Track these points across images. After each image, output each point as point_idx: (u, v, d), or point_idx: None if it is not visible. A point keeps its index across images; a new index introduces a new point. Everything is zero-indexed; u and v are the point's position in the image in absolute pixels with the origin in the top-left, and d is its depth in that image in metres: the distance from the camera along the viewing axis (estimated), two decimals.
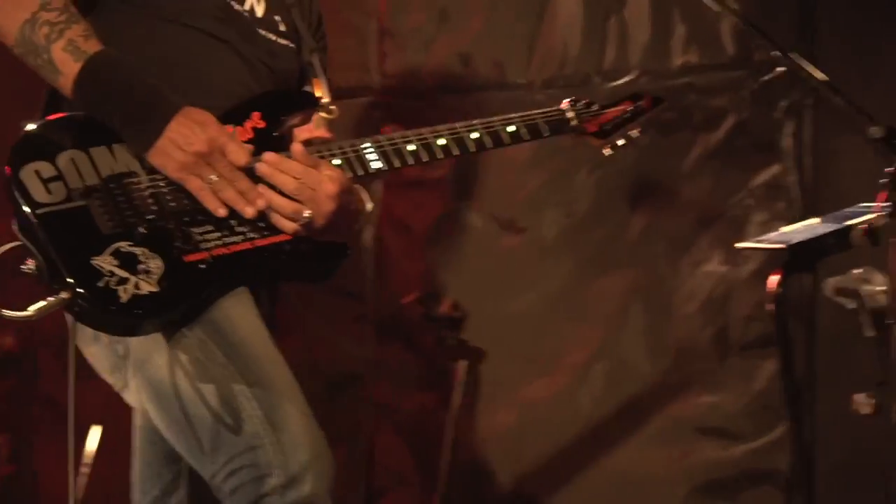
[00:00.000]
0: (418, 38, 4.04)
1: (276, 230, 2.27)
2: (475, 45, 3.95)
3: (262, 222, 2.28)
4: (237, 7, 2.40)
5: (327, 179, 2.26)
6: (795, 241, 2.63)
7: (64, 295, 2.21)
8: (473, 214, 3.94)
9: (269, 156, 2.25)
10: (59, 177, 2.26)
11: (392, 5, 4.09)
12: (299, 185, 2.25)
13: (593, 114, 2.62)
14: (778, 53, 2.41)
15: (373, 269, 4.08)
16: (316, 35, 2.60)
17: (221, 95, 2.33)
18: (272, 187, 2.24)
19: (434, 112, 4.01)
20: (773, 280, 2.56)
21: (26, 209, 2.22)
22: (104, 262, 2.24)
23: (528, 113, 2.55)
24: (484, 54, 3.95)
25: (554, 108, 2.59)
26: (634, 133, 2.66)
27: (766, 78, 3.65)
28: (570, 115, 2.58)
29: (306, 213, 2.25)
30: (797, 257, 2.63)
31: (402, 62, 4.06)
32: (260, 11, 2.45)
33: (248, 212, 2.21)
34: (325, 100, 2.47)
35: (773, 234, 2.91)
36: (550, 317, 3.81)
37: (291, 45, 2.50)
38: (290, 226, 2.26)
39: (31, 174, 2.26)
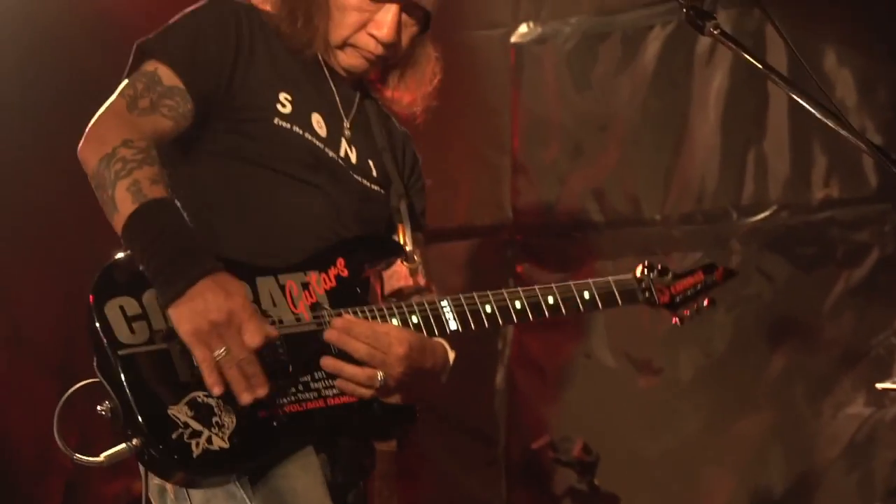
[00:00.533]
0: (552, 174, 4.62)
1: None
2: (610, 179, 4.52)
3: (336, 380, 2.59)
4: (331, 154, 2.76)
5: (396, 342, 2.57)
6: None
7: (136, 442, 2.48)
8: (608, 355, 4.48)
9: (337, 321, 2.56)
10: (144, 315, 2.53)
11: (526, 140, 4.70)
12: (370, 350, 2.55)
13: (667, 283, 3.05)
14: None
15: (505, 412, 4.64)
16: (410, 178, 2.99)
17: (307, 238, 2.67)
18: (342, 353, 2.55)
19: (569, 249, 4.65)
20: None
21: (108, 349, 2.50)
22: (180, 412, 2.51)
23: (604, 280, 2.94)
24: (619, 189, 4.50)
25: (628, 277, 3.00)
26: (705, 304, 3.07)
27: None
28: (643, 285, 3.00)
29: (379, 380, 2.55)
30: None
31: (535, 198, 4.65)
32: (354, 157, 2.81)
33: (245, 398, 2.41)
34: (409, 248, 2.82)
35: None
36: (687, 461, 4.24)
37: (382, 190, 2.85)
38: (362, 392, 2.57)
39: (116, 310, 2.53)
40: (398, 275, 2.86)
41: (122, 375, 2.50)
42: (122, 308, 2.54)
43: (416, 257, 2.84)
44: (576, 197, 4.60)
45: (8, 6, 4.88)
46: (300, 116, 2.73)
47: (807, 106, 2.65)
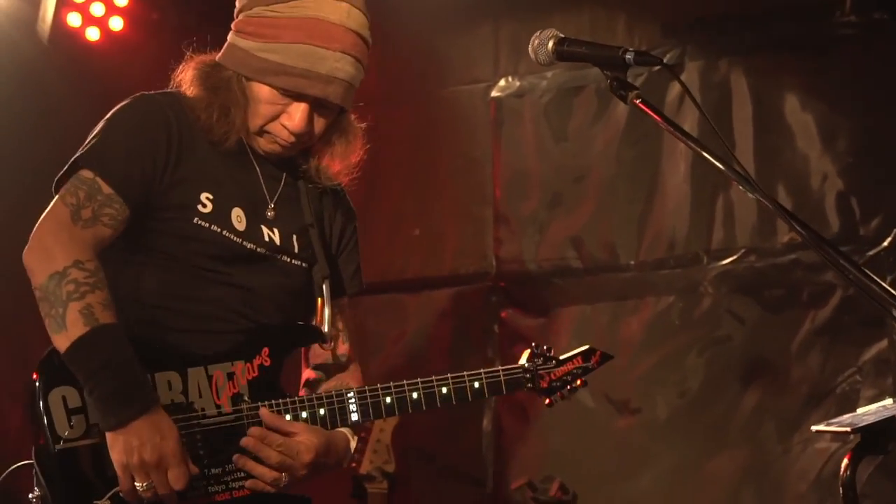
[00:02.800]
0: (532, 223, 4.92)
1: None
2: (587, 228, 4.82)
3: (244, 473, 2.91)
4: (249, 245, 3.00)
5: (304, 451, 2.91)
6: (864, 424, 3.12)
7: None
8: (588, 396, 4.74)
9: (254, 430, 2.89)
10: (83, 408, 2.80)
11: (507, 192, 5.01)
12: (281, 458, 2.89)
13: (549, 370, 3.30)
14: None
15: (492, 454, 4.92)
16: (342, 241, 3.23)
17: (226, 327, 2.96)
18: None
19: (549, 295, 4.95)
20: (843, 465, 3.08)
21: (49, 442, 2.78)
22: None
23: (493, 370, 3.24)
24: (595, 237, 4.80)
25: (515, 367, 3.26)
26: (577, 385, 3.35)
27: (872, 252, 4.45)
28: (527, 375, 3.25)
29: (284, 480, 2.91)
30: (868, 440, 3.13)
31: (517, 247, 4.96)
32: (277, 238, 3.07)
33: None
34: (325, 328, 3.07)
35: (845, 417, 3.55)
36: (664, 498, 4.52)
37: (304, 265, 3.11)
38: (267, 489, 2.91)
39: (59, 400, 2.80)
40: (317, 353, 3.16)
41: (57, 468, 2.80)
42: (64, 398, 2.81)
43: (332, 337, 3.10)
44: (555, 245, 4.90)
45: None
46: (219, 215, 2.97)
47: (717, 164, 2.94)
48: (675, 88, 4.70)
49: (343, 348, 3.23)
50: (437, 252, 5.18)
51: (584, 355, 3.40)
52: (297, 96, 2.98)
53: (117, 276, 2.90)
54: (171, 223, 2.96)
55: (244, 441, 2.91)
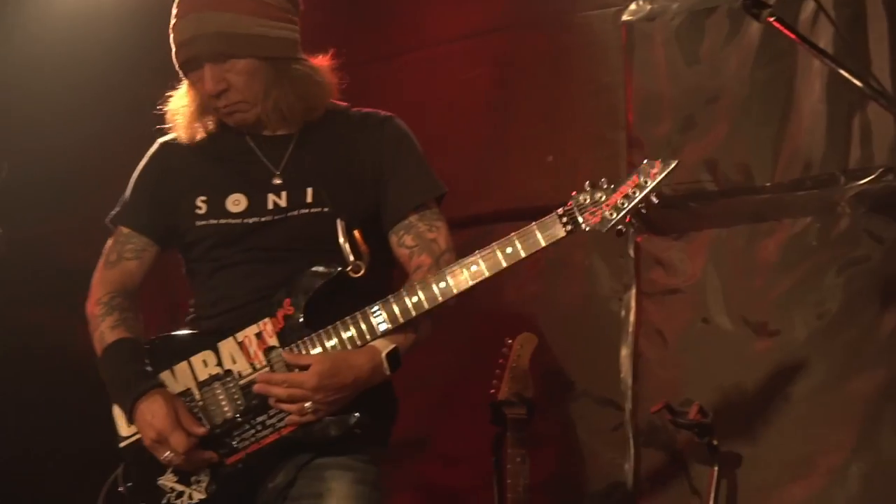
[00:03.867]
0: (666, 147, 4.92)
1: None
2: (721, 150, 4.82)
3: (285, 413, 3.41)
4: (251, 220, 3.51)
5: (307, 377, 3.33)
6: None
7: None
8: (725, 319, 4.79)
9: (260, 376, 3.40)
10: None
11: (640, 117, 5.02)
12: (288, 391, 3.36)
13: (598, 202, 3.31)
14: None
15: (630, 378, 5.02)
16: (386, 165, 3.59)
17: (248, 298, 3.49)
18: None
19: (684, 219, 4.97)
20: None
21: (117, 443, 3.52)
22: (167, 480, 3.47)
23: (525, 228, 3.32)
24: (730, 159, 4.80)
25: (550, 216, 3.32)
26: (644, 202, 3.34)
27: None
28: (563, 218, 3.31)
29: (307, 405, 3.36)
30: None
31: None
32: (284, 200, 3.52)
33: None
34: (351, 259, 3.42)
35: None
36: (804, 419, 4.54)
37: (324, 209, 3.49)
38: (299, 419, 3.39)
39: (118, 409, 3.54)
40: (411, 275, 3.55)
41: (126, 461, 3.53)
42: None
43: (359, 264, 3.44)
44: (689, 168, 4.89)
45: None
46: (214, 210, 3.54)
47: (854, 81, 2.98)
48: (809, 6, 4.66)
49: (418, 260, 3.54)
50: (571, 178, 5.20)
51: (641, 172, 3.37)
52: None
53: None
54: (186, 235, 3.59)
55: (255, 388, 3.43)
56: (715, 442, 4.57)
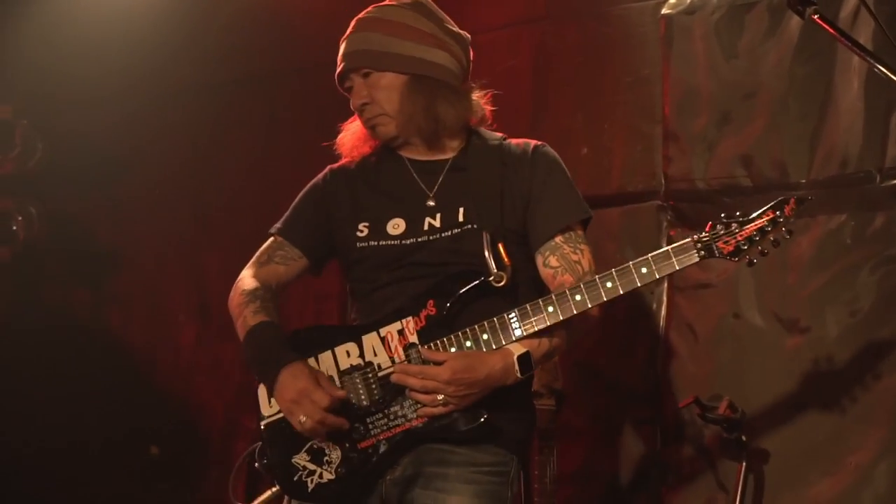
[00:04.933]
0: (702, 141, 4.95)
1: None
2: (757, 146, 4.82)
3: (419, 405, 3.62)
4: (409, 241, 3.76)
5: (442, 371, 3.55)
6: None
7: (275, 488, 3.70)
8: (756, 315, 4.79)
9: (397, 367, 3.63)
10: None
11: (676, 111, 5.04)
12: (422, 382, 3.58)
13: (732, 233, 3.52)
14: None
15: (659, 372, 5.02)
16: (534, 187, 3.80)
17: (398, 305, 3.70)
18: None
19: (718, 214, 4.97)
20: None
21: (258, 421, 3.74)
22: (300, 458, 3.69)
23: (661, 250, 3.54)
24: (765, 155, 4.80)
25: (684, 241, 3.56)
26: (785, 236, 3.52)
27: None
28: (698, 245, 3.54)
29: (440, 398, 3.57)
30: None
31: (686, 165, 5.00)
32: (438, 221, 3.78)
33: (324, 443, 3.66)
34: (494, 270, 3.65)
35: None
36: (834, 416, 4.54)
37: (473, 226, 3.74)
38: (431, 411, 3.60)
39: (263, 390, 3.77)
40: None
41: (265, 438, 3.74)
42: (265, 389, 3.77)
43: (502, 275, 3.65)
44: (725, 163, 4.93)
45: None
46: (375, 233, 3.82)
47: (894, 78, 2.99)
48: (850, 2, 4.67)
49: (561, 280, 3.73)
50: (606, 170, 5.25)
51: (776, 206, 3.56)
52: (342, 82, 3.92)
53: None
54: (349, 256, 3.88)
55: (392, 377, 3.65)
56: (743, 437, 4.59)
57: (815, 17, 3.04)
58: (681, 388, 4.93)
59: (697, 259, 3.56)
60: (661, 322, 5.05)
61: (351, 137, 3.98)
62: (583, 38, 5.41)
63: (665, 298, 5.05)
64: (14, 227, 7.16)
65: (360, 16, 3.93)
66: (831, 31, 3.07)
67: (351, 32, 3.91)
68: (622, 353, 5.14)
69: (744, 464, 4.60)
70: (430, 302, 3.67)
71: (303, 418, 3.60)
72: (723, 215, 3.56)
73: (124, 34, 6.36)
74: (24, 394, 6.81)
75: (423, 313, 3.67)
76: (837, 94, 4.70)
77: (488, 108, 4.00)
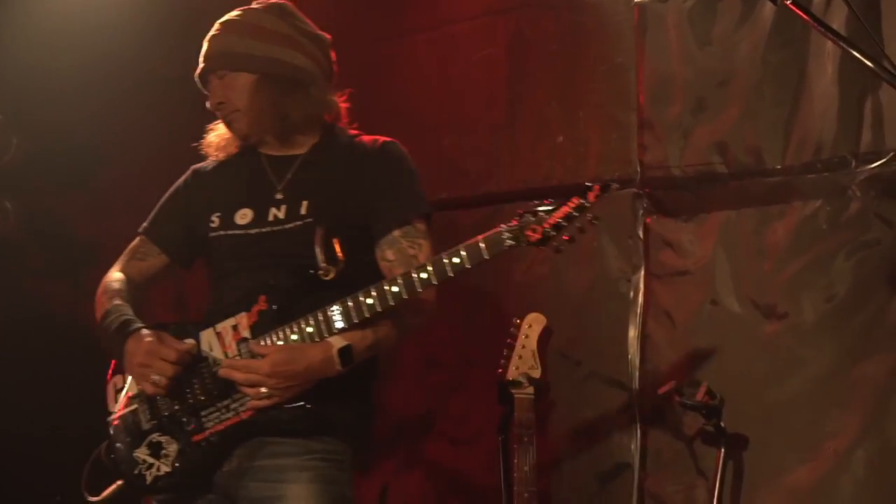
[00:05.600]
0: (677, 129, 4.95)
1: None
2: (732, 133, 4.82)
3: (247, 398, 3.75)
4: (254, 231, 3.93)
5: (263, 364, 3.70)
6: None
7: (119, 482, 3.89)
8: (734, 301, 4.79)
9: (225, 362, 3.77)
10: (124, 388, 3.96)
11: (651, 98, 5.03)
12: (246, 375, 3.73)
13: (540, 221, 3.57)
14: None
15: (637, 359, 5.01)
16: (371, 192, 3.94)
17: (236, 298, 3.86)
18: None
19: (695, 201, 4.99)
20: None
21: (107, 418, 3.93)
22: (141, 452, 3.85)
23: (472, 240, 3.60)
24: (741, 142, 4.80)
25: (495, 230, 3.61)
26: (585, 223, 3.60)
27: None
28: (506, 235, 3.59)
29: (263, 390, 3.71)
30: None
31: (662, 153, 4.99)
32: (283, 213, 3.92)
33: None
34: (321, 265, 3.78)
35: None
36: (811, 403, 4.55)
37: (311, 219, 3.87)
38: (256, 403, 3.74)
39: (112, 386, 3.99)
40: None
41: (110, 437, 3.93)
42: (114, 384, 4.00)
43: (330, 269, 3.81)
44: (700, 150, 4.93)
45: None
46: (225, 223, 4.00)
47: (867, 64, 2.98)
48: None
49: (396, 273, 3.76)
50: (582, 159, 5.25)
51: (581, 193, 3.64)
52: (203, 83, 4.12)
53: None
54: (204, 247, 4.07)
55: (220, 372, 3.78)
56: (722, 424, 4.59)
57: (789, 2, 3.03)
58: (659, 376, 4.93)
59: (506, 247, 3.61)
60: (639, 310, 5.05)
61: (217, 138, 4.17)
62: (558, 27, 5.41)
63: (642, 286, 5.05)
64: None
65: (223, 18, 4.12)
66: (805, 17, 3.07)
67: (213, 34, 4.10)
68: (600, 341, 5.15)
69: (723, 450, 4.61)
70: (262, 297, 3.81)
71: (155, 377, 3.76)
72: (533, 203, 3.62)
73: (99, 24, 6.32)
74: (2, 385, 6.78)
75: (256, 308, 3.81)
76: (811, 80, 4.70)
77: (344, 105, 4.18)
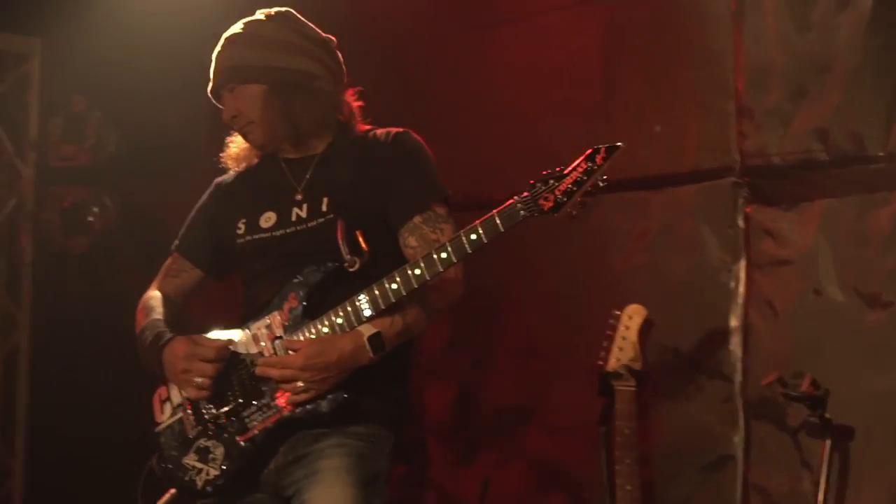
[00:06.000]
0: (776, 116, 4.89)
1: None
2: (833, 119, 4.74)
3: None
4: (279, 232, 4.04)
5: (295, 358, 3.81)
6: None
7: (172, 490, 4.00)
8: (837, 290, 4.72)
9: (260, 360, 3.90)
10: (169, 398, 4.08)
11: (750, 85, 4.97)
12: (280, 371, 3.84)
13: (551, 188, 3.60)
14: None
15: (740, 350, 4.97)
16: (387, 183, 4.03)
17: (269, 299, 3.97)
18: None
19: (796, 189, 4.94)
20: None
21: (155, 429, 4.05)
22: (190, 459, 3.96)
23: (487, 215, 3.65)
24: (842, 128, 4.72)
25: (508, 203, 3.65)
26: (593, 187, 3.63)
27: None
28: (519, 206, 3.63)
29: (300, 385, 3.81)
30: None
31: (761, 141, 4.93)
32: (305, 212, 4.04)
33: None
34: (346, 257, 3.89)
35: None
36: None
37: (333, 215, 3.97)
38: (294, 398, 3.84)
39: (157, 397, 4.11)
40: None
41: (159, 444, 4.03)
42: (160, 395, 4.10)
43: (355, 260, 3.90)
44: (800, 137, 4.85)
45: None
46: (251, 228, 4.11)
47: None
48: None
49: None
50: (679, 148, 5.21)
51: (588, 157, 3.67)
52: (216, 99, 4.22)
53: None
54: (233, 254, 4.17)
55: (257, 371, 3.90)
56: (827, 415, 4.54)
57: None
58: (762, 366, 4.88)
59: (521, 218, 3.67)
60: (741, 300, 5.01)
61: (236, 150, 4.29)
62: (653, 15, 5.37)
63: (743, 276, 5.00)
64: (90, 218, 7.26)
65: (227, 33, 4.20)
66: None
67: (219, 50, 4.19)
68: (701, 332, 5.10)
69: (828, 442, 4.54)
70: (292, 294, 3.93)
71: (198, 379, 3.90)
72: (543, 172, 3.64)
73: (193, 26, 6.38)
74: (100, 383, 6.88)
75: (287, 306, 3.93)
76: None
77: (356, 104, 4.25)
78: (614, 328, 4.79)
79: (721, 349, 5.03)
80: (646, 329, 4.81)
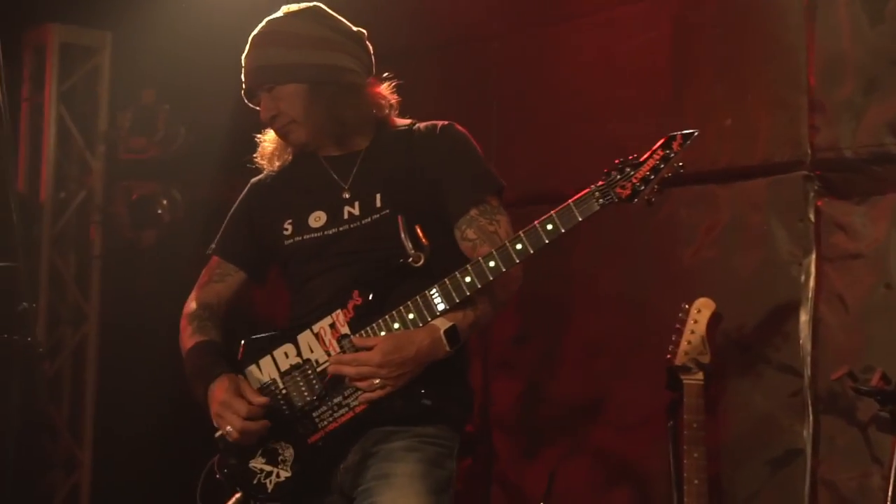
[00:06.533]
0: (848, 110, 4.88)
1: None
2: None
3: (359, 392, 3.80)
4: (331, 231, 3.96)
5: (372, 355, 3.74)
6: None
7: (238, 494, 3.90)
8: None
9: (331, 358, 3.81)
10: None
11: (822, 79, 4.96)
12: (356, 369, 3.76)
13: (628, 176, 3.59)
14: None
15: (809, 344, 4.96)
16: (438, 175, 3.96)
17: (327, 298, 3.89)
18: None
19: (868, 183, 4.93)
20: None
21: (215, 433, 3.90)
22: (257, 462, 3.90)
23: (563, 205, 3.61)
24: None
25: (584, 193, 3.62)
26: (670, 174, 3.61)
27: None
28: (597, 194, 3.61)
29: (376, 382, 3.75)
30: None
31: (833, 134, 4.93)
32: (357, 209, 3.96)
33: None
34: (412, 251, 3.81)
35: None
36: None
37: (388, 210, 3.92)
38: (370, 395, 3.78)
39: None
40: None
41: (221, 451, 3.93)
42: None
43: (419, 255, 3.82)
44: (873, 131, 4.84)
45: None
46: (299, 228, 4.03)
47: None
48: None
49: (480, 251, 3.86)
50: (750, 141, 5.21)
51: (664, 144, 3.67)
52: (251, 99, 4.12)
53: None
54: (279, 256, 4.09)
55: (328, 369, 3.84)
56: None
57: None
58: (831, 361, 4.87)
59: (598, 207, 3.64)
60: (811, 294, 5.00)
61: (270, 148, 4.20)
62: (722, 9, 5.37)
63: (814, 270, 4.99)
64: (159, 211, 7.34)
65: (255, 32, 4.11)
66: None
67: (249, 50, 4.10)
68: (770, 326, 5.10)
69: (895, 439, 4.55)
70: (355, 292, 3.86)
71: (228, 428, 3.85)
72: (617, 161, 3.64)
73: (258, 24, 6.47)
74: (166, 374, 6.95)
75: (351, 304, 3.86)
76: None
77: (394, 98, 4.14)
78: (683, 322, 4.80)
79: (790, 343, 5.03)
80: (714, 323, 4.82)
